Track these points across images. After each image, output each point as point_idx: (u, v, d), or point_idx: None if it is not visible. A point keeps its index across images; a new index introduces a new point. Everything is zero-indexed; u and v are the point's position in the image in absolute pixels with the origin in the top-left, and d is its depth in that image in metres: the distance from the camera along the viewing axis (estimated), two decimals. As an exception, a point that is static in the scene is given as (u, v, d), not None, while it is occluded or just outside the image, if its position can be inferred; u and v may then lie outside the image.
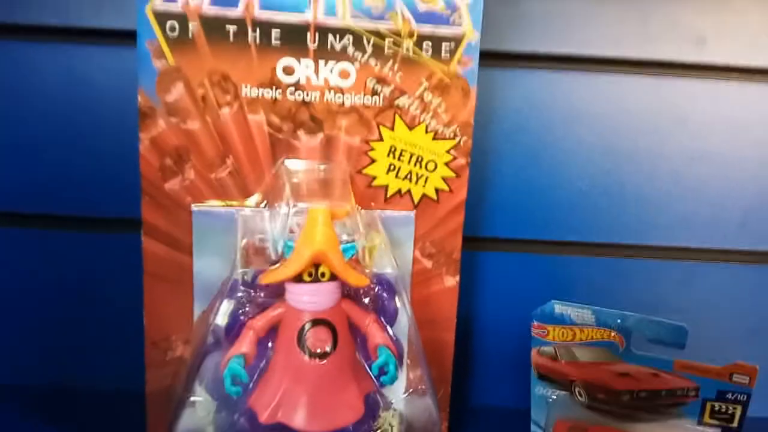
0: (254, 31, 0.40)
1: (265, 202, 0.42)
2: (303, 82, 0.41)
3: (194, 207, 0.42)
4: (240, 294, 0.40)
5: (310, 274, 0.38)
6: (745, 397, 0.44)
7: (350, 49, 0.41)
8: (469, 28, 0.42)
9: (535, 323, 0.48)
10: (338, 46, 0.41)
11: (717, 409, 0.45)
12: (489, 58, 0.52)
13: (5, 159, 0.51)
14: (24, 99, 0.51)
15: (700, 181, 0.55)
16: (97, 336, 0.55)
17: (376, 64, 0.42)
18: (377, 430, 0.42)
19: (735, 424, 0.45)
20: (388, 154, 0.43)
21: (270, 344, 0.40)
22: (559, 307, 0.48)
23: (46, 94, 0.50)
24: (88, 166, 0.52)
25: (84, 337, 0.55)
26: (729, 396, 0.44)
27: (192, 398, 0.40)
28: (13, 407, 0.53)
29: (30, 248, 0.53)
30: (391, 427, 0.44)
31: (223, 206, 0.42)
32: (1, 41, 0.50)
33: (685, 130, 0.54)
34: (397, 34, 0.41)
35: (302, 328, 0.38)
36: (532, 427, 0.52)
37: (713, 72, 0.52)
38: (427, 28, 0.41)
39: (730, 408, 0.44)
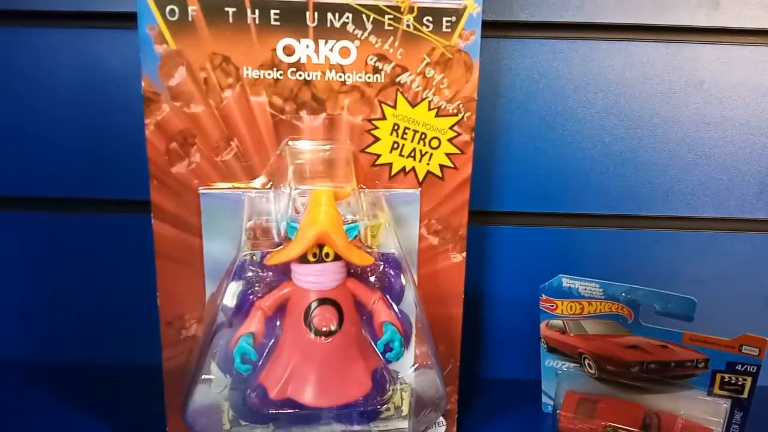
0: (253, 12, 0.40)
1: (270, 183, 0.43)
2: (303, 61, 0.41)
3: (201, 190, 0.43)
4: (249, 274, 0.41)
5: (314, 255, 0.39)
6: (755, 368, 0.44)
7: (350, 27, 0.41)
8: (470, 1, 0.41)
9: (544, 297, 0.49)
10: (338, 24, 0.41)
11: (727, 380, 0.45)
12: (496, 28, 0.51)
13: (21, 144, 0.53)
14: (37, 84, 0.51)
15: (716, 148, 0.54)
16: (116, 315, 0.56)
17: (376, 41, 0.41)
18: (388, 402, 0.43)
19: (745, 395, 0.45)
20: (392, 132, 0.43)
21: (278, 323, 0.41)
22: (566, 281, 0.48)
23: (59, 78, 0.51)
24: (101, 149, 0.53)
25: (103, 315, 0.57)
26: (738, 367, 0.44)
27: (205, 376, 0.41)
28: (37, 384, 0.55)
29: (47, 231, 0.55)
30: (402, 400, 0.45)
31: (230, 188, 0.43)
32: (14, 27, 0.50)
33: (699, 95, 0.52)
34: (397, 9, 0.41)
35: (308, 308, 0.39)
36: (543, 398, 0.53)
37: (727, 36, 0.51)
38: (427, 3, 0.41)
39: (740, 379, 0.44)
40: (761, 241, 0.55)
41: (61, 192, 0.54)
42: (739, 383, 0.44)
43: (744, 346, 0.43)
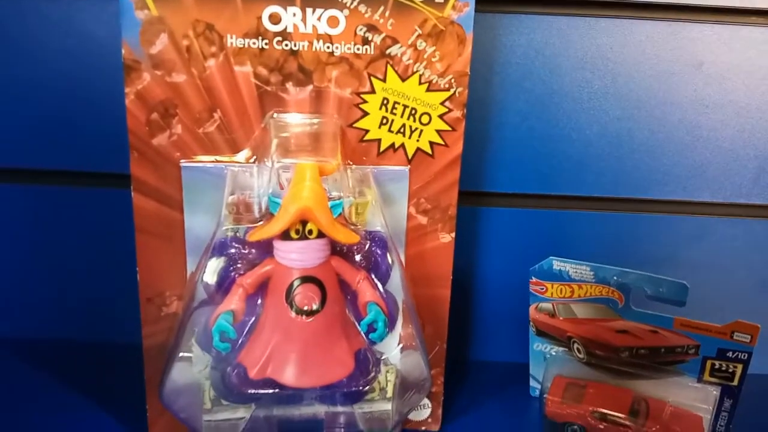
0: (238, -23, 0.39)
1: (254, 157, 0.41)
2: (290, 30, 0.40)
3: (183, 163, 0.41)
4: (232, 251, 0.40)
5: (297, 231, 0.38)
6: (746, 355, 0.43)
7: (339, -5, 0.39)
8: (464, -29, 0.39)
9: (534, 280, 0.48)
10: (326, -8, 0.39)
11: (717, 367, 0.44)
12: (491, 2, 0.49)
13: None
14: (13, 51, 0.50)
15: (714, 131, 0.52)
16: (95, 291, 0.55)
17: (366, 11, 0.40)
18: (371, 384, 0.42)
19: (735, 383, 0.44)
20: (381, 107, 0.42)
21: (259, 301, 0.40)
22: (557, 264, 0.47)
23: (37, 45, 0.50)
24: (81, 120, 0.51)
25: (82, 291, 0.55)
26: (729, 354, 0.43)
27: (183, 354, 0.40)
28: (14, 360, 0.54)
29: (22, 204, 0.53)
30: (387, 381, 0.44)
31: (212, 162, 0.41)
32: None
33: (699, 76, 0.51)
34: (388, -22, 0.39)
35: (291, 286, 0.38)
36: (531, 382, 0.52)
37: (729, 15, 0.49)
38: (419, -29, 0.39)
39: (731, 366, 0.44)
40: (756, 227, 0.54)
41: (38, 164, 0.52)
42: (730, 370, 0.44)
43: (736, 333, 0.42)
